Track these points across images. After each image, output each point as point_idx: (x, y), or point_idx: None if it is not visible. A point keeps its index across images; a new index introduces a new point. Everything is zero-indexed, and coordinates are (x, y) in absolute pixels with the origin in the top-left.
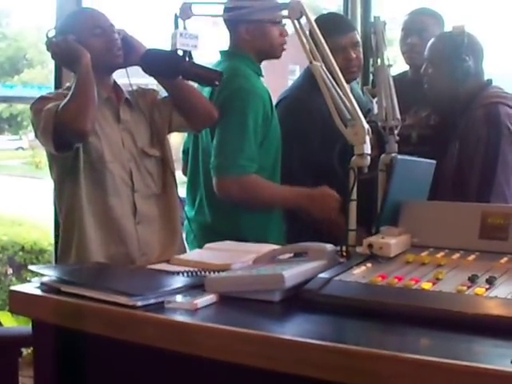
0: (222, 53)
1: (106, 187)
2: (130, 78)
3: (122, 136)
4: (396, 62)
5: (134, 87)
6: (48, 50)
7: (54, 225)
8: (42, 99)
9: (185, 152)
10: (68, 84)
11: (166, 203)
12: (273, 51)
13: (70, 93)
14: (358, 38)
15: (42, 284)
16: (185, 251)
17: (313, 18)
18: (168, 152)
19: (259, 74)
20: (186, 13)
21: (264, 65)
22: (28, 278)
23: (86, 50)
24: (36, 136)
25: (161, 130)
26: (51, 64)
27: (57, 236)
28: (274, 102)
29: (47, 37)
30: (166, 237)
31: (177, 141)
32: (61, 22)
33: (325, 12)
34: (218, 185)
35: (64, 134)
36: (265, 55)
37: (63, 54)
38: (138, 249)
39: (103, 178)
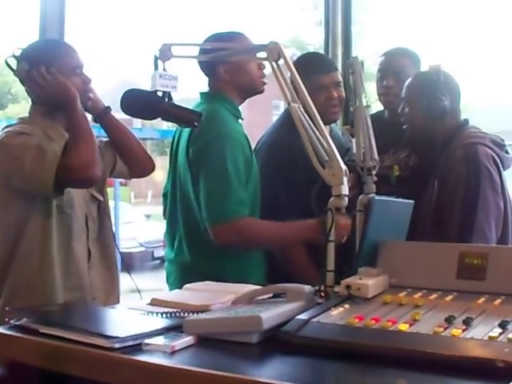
0: (202, 95)
1: (71, 231)
2: None
3: None
4: (377, 100)
5: None
6: (18, 75)
7: None
8: (20, 134)
9: (165, 195)
10: (25, 116)
11: (106, 246)
12: (254, 86)
13: (74, 135)
14: (340, 77)
15: (20, 325)
16: (119, 294)
17: (297, 53)
18: (107, 195)
19: (238, 117)
20: (165, 54)
21: (248, 100)
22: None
23: (76, 91)
24: (6, 174)
25: (104, 174)
26: None
27: None
28: (254, 145)
29: (16, 59)
30: (108, 280)
31: (161, 177)
32: (35, 49)
33: (309, 46)
34: (214, 234)
35: (66, 179)
36: (247, 92)
37: (49, 87)
38: (90, 294)
39: (71, 221)
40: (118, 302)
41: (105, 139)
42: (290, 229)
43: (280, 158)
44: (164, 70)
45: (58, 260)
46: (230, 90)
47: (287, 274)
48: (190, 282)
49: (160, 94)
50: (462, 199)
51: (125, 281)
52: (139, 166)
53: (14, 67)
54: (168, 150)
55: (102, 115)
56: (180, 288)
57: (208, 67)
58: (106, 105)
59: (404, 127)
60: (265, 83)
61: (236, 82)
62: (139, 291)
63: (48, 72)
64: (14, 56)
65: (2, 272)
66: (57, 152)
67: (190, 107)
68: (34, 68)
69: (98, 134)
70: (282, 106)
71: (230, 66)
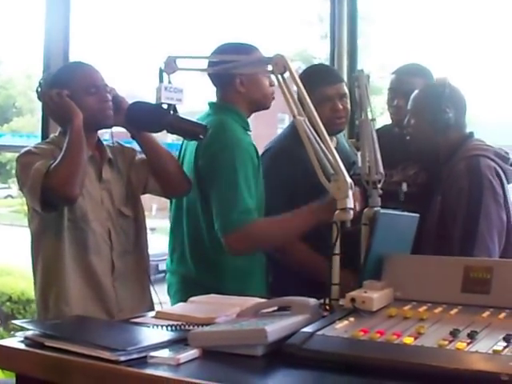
0: (211, 105)
1: (87, 245)
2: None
3: (101, 195)
4: (384, 113)
5: (115, 143)
6: (39, 99)
7: None
8: (29, 154)
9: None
10: (53, 135)
11: (137, 260)
12: (265, 101)
13: (61, 154)
14: (346, 89)
15: (26, 338)
16: (153, 306)
17: (303, 66)
18: (141, 211)
19: (246, 129)
20: (170, 67)
21: (253, 114)
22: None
23: (78, 110)
24: (21, 190)
25: (136, 190)
26: (40, 112)
27: None
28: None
29: (39, 85)
30: (138, 292)
31: None
32: (56, 73)
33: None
34: (228, 243)
35: (51, 196)
36: (256, 106)
37: (56, 108)
38: (116, 305)
39: (85, 236)
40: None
41: (143, 156)
42: (298, 218)
43: (281, 165)
44: (169, 82)
45: (73, 271)
46: (240, 102)
47: (291, 287)
48: (192, 295)
49: (165, 106)
50: (464, 211)
51: None
52: (172, 187)
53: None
54: None
55: (137, 133)
56: (182, 300)
57: (222, 78)
58: None
59: (407, 138)
60: (273, 99)
61: (249, 94)
62: (161, 303)
63: (58, 95)
64: (39, 82)
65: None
66: (41, 170)
67: (195, 119)
68: (48, 91)
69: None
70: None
71: (246, 78)
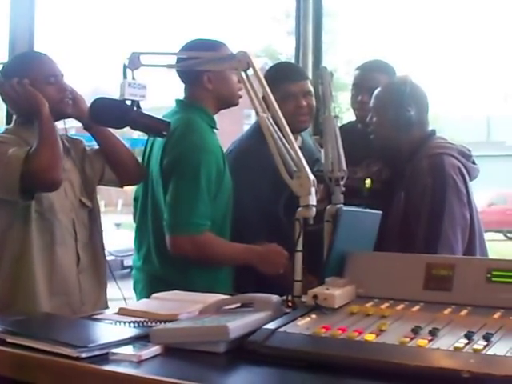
0: (178, 102)
1: (54, 237)
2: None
3: (64, 185)
4: (350, 109)
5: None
6: None
7: None
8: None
9: (136, 200)
10: (9, 126)
11: (96, 252)
12: (233, 98)
13: (38, 141)
14: (310, 87)
15: None
16: (107, 301)
17: (269, 62)
18: (97, 203)
19: (213, 127)
20: (134, 63)
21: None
22: None
23: (44, 99)
24: None
25: (91, 181)
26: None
27: None
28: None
29: None
30: (97, 285)
31: (130, 188)
32: (11, 63)
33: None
34: (172, 243)
35: (32, 183)
36: (225, 103)
37: (18, 98)
38: (80, 299)
39: (52, 227)
40: (106, 307)
41: (95, 147)
42: (243, 252)
43: (247, 165)
44: (133, 78)
45: (41, 265)
46: (208, 99)
47: (255, 284)
48: (158, 291)
49: (129, 102)
50: (427, 210)
51: None
52: (128, 174)
53: None
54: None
55: (90, 124)
56: (148, 297)
57: (189, 75)
58: None
59: (371, 137)
60: (241, 96)
61: (217, 91)
62: (125, 299)
63: (19, 84)
64: None
65: None
66: (20, 156)
67: (160, 116)
68: (7, 81)
69: (90, 143)
70: (253, 116)
71: (213, 75)
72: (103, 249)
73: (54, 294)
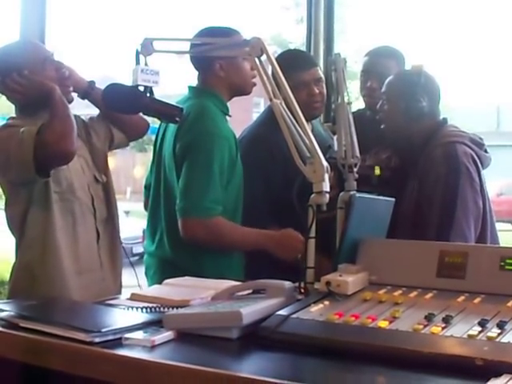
0: (191, 89)
1: (75, 216)
2: None
3: (80, 163)
4: (359, 97)
5: None
6: None
7: None
8: (8, 127)
9: (146, 187)
10: (13, 117)
11: (112, 227)
12: (245, 87)
13: (50, 116)
14: (321, 73)
15: (1, 319)
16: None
17: (278, 51)
18: (110, 176)
19: (226, 114)
20: (147, 49)
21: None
22: None
23: (51, 83)
24: (6, 164)
25: (102, 152)
26: None
27: None
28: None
29: None
30: (114, 261)
31: (140, 173)
32: (2, 59)
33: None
34: (183, 227)
35: (45, 155)
36: (237, 91)
37: (25, 90)
38: (101, 275)
39: (73, 206)
40: (121, 285)
41: (91, 116)
42: (257, 237)
43: (258, 152)
44: (146, 64)
45: (65, 246)
46: (221, 86)
47: (266, 270)
48: (169, 277)
49: (141, 88)
50: (441, 198)
51: None
52: (134, 128)
53: None
54: (147, 147)
55: (88, 90)
56: (159, 282)
57: (202, 62)
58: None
59: (382, 127)
60: (254, 84)
61: (229, 79)
62: (139, 285)
63: (21, 77)
64: None
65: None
66: (32, 131)
67: (175, 102)
68: (7, 78)
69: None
70: (263, 104)
71: (226, 63)
72: (118, 222)
73: (80, 273)
